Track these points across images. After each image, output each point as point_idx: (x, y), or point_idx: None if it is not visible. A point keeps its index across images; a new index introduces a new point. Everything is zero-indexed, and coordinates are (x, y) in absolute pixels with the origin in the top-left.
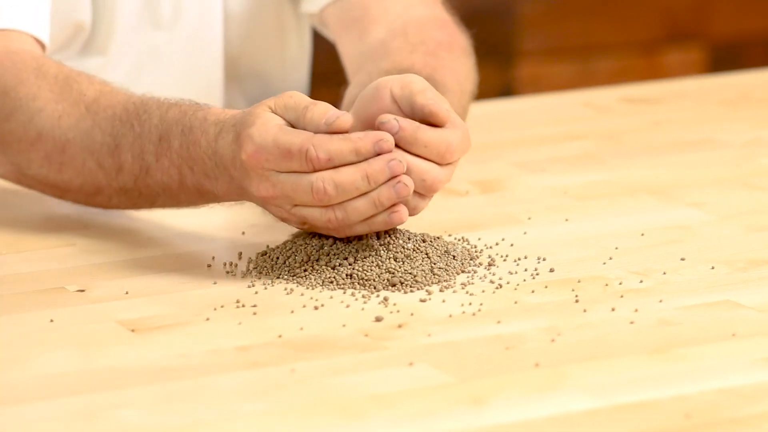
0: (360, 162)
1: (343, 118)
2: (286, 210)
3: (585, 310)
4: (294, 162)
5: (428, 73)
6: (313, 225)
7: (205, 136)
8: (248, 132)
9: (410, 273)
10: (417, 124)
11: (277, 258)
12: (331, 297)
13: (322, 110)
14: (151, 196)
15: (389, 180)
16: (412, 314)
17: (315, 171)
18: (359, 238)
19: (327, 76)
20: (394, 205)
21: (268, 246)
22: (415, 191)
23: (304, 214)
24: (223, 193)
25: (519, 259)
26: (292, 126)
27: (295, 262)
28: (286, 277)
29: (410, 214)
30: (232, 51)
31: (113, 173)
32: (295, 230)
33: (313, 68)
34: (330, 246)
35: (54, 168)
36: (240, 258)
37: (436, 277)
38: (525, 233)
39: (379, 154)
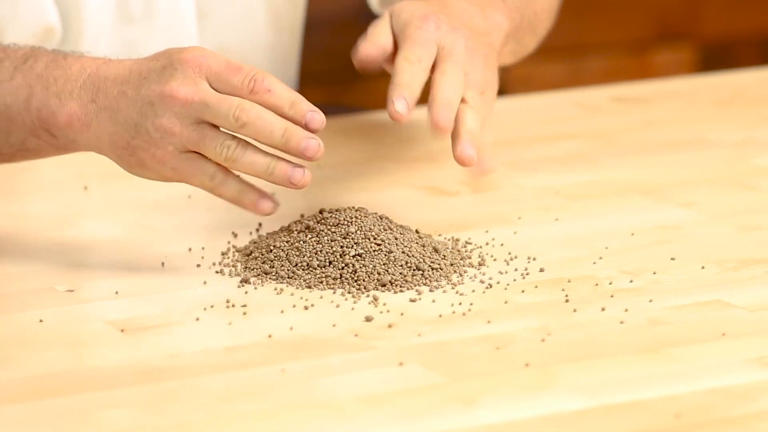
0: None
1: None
2: (184, 123)
3: (575, 310)
4: (237, 77)
5: None
6: (201, 147)
7: (84, 61)
8: (197, 46)
9: (400, 273)
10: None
11: (267, 258)
12: (321, 297)
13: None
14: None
15: (296, 155)
16: (402, 314)
17: (246, 97)
18: (350, 238)
19: (316, 75)
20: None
21: (257, 246)
22: None
23: (205, 133)
24: (64, 119)
25: (509, 259)
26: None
27: (285, 262)
28: (275, 277)
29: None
30: (213, 43)
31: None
32: (287, 231)
33: (302, 67)
34: (320, 246)
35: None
36: (230, 258)
37: (426, 277)
38: (515, 233)
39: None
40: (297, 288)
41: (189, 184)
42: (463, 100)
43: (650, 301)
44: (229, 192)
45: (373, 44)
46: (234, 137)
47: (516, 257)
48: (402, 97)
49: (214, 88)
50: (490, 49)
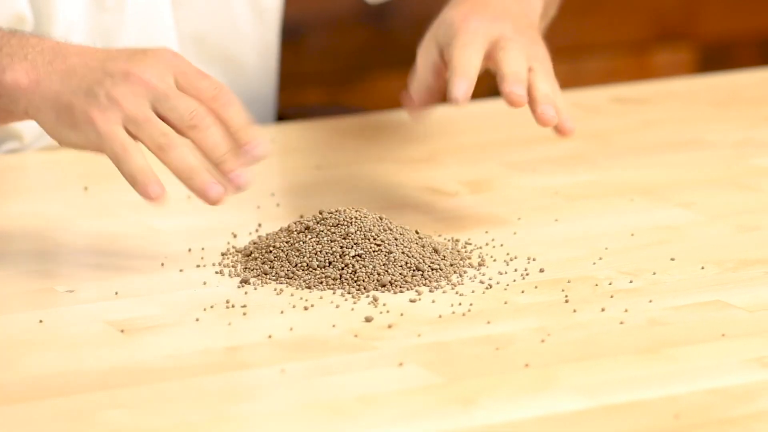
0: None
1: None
2: (137, 102)
3: (575, 311)
4: (204, 82)
5: None
6: (140, 128)
7: (47, 38)
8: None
9: (400, 273)
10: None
11: (267, 258)
12: (321, 297)
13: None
14: None
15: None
16: (401, 314)
17: (206, 102)
18: (349, 238)
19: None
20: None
21: (256, 246)
22: None
23: (150, 117)
24: (12, 77)
25: (509, 260)
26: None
27: (285, 263)
28: (275, 277)
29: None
30: (189, 32)
31: None
32: (287, 231)
33: (302, 67)
34: (320, 246)
35: None
36: (229, 259)
37: (426, 277)
38: (515, 233)
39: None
40: (297, 288)
41: (103, 153)
42: (530, 70)
43: (650, 301)
44: (138, 166)
45: (420, 85)
46: (177, 131)
47: (516, 258)
48: (462, 79)
49: (178, 86)
50: (532, 29)
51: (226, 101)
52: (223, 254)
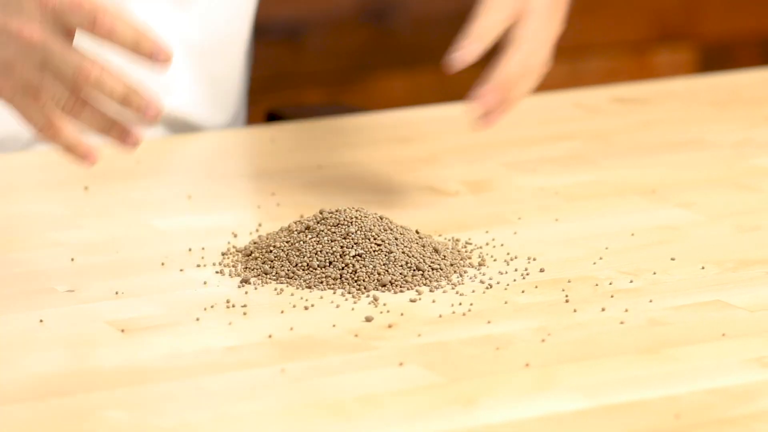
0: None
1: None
2: (26, 63)
3: (575, 310)
4: (77, 15)
5: None
6: (35, 98)
7: None
8: None
9: (400, 273)
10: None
11: (267, 258)
12: (321, 297)
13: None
14: None
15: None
16: (402, 314)
17: (88, 30)
18: (350, 238)
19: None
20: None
21: (257, 246)
22: None
23: (43, 81)
24: None
25: (509, 260)
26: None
27: (285, 263)
28: (275, 277)
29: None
30: None
31: None
32: (287, 231)
33: (302, 67)
34: (320, 246)
35: None
36: (230, 258)
37: (426, 277)
38: (515, 233)
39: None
40: (297, 288)
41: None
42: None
43: (650, 301)
44: (65, 132)
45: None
46: (72, 92)
47: (516, 257)
48: (472, 42)
49: (60, 23)
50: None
51: (107, 27)
52: (223, 254)
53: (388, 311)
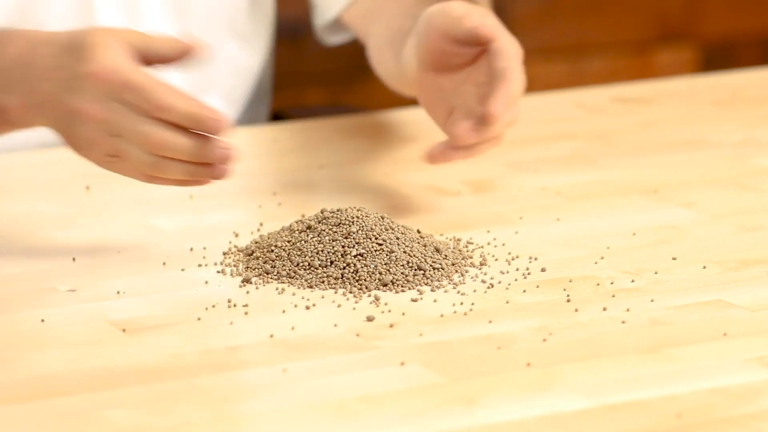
0: (194, 132)
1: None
2: (103, 136)
3: (576, 310)
4: (133, 95)
5: None
6: (123, 161)
7: (17, 47)
8: (95, 49)
9: (402, 272)
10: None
11: (268, 258)
12: (323, 297)
13: (170, 45)
14: None
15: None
16: (403, 314)
17: (147, 114)
18: (351, 238)
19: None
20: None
21: (258, 246)
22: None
23: (122, 149)
24: (13, 108)
25: (511, 259)
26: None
27: (287, 262)
28: (277, 276)
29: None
30: None
31: None
32: (289, 231)
33: (303, 67)
34: (321, 245)
35: None
36: (231, 258)
37: (428, 276)
38: (516, 233)
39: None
40: (298, 288)
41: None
42: None
43: (651, 301)
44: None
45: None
46: (151, 154)
47: (517, 257)
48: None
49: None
50: None
51: (160, 108)
52: (224, 253)
53: (389, 311)
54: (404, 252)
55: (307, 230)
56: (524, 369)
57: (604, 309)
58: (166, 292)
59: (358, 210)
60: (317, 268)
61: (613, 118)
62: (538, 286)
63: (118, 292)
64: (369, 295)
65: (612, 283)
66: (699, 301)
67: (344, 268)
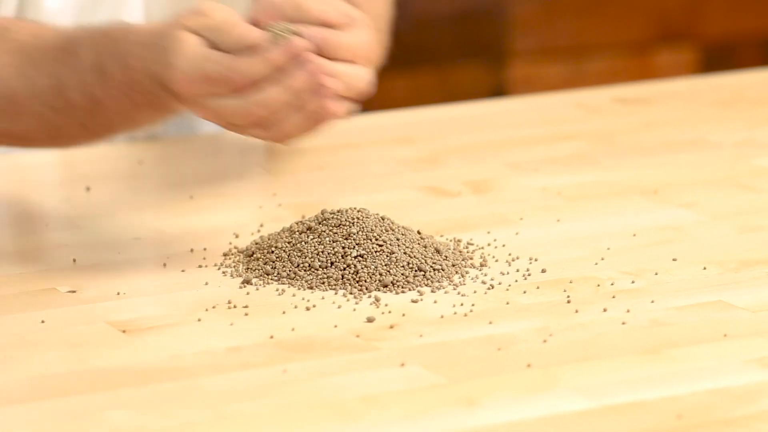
0: (282, 77)
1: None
2: (225, 126)
3: (577, 311)
4: (219, 87)
5: None
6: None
7: (140, 60)
8: (170, 61)
9: (402, 273)
10: (326, 30)
11: (269, 259)
12: (323, 298)
13: (239, 32)
14: (111, 125)
15: (314, 88)
16: (403, 315)
17: (240, 92)
18: (351, 239)
19: None
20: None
21: (258, 247)
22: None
23: (247, 134)
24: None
25: (511, 260)
26: (213, 43)
27: (287, 263)
28: (277, 277)
29: (336, 117)
30: None
31: (67, 113)
32: (289, 232)
33: None
34: (322, 246)
35: (10, 119)
36: (231, 259)
37: (428, 278)
38: (517, 234)
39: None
40: (299, 289)
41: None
42: None
43: (652, 301)
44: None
45: None
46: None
47: (517, 258)
48: None
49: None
50: None
51: (246, 82)
52: (225, 254)
53: (389, 312)
54: (404, 253)
55: (308, 231)
56: (525, 370)
57: (605, 310)
58: (167, 293)
59: (358, 211)
60: (317, 269)
61: (613, 119)
62: (538, 287)
63: (118, 293)
64: (369, 296)
65: (612, 284)
66: (699, 302)
67: (344, 269)
